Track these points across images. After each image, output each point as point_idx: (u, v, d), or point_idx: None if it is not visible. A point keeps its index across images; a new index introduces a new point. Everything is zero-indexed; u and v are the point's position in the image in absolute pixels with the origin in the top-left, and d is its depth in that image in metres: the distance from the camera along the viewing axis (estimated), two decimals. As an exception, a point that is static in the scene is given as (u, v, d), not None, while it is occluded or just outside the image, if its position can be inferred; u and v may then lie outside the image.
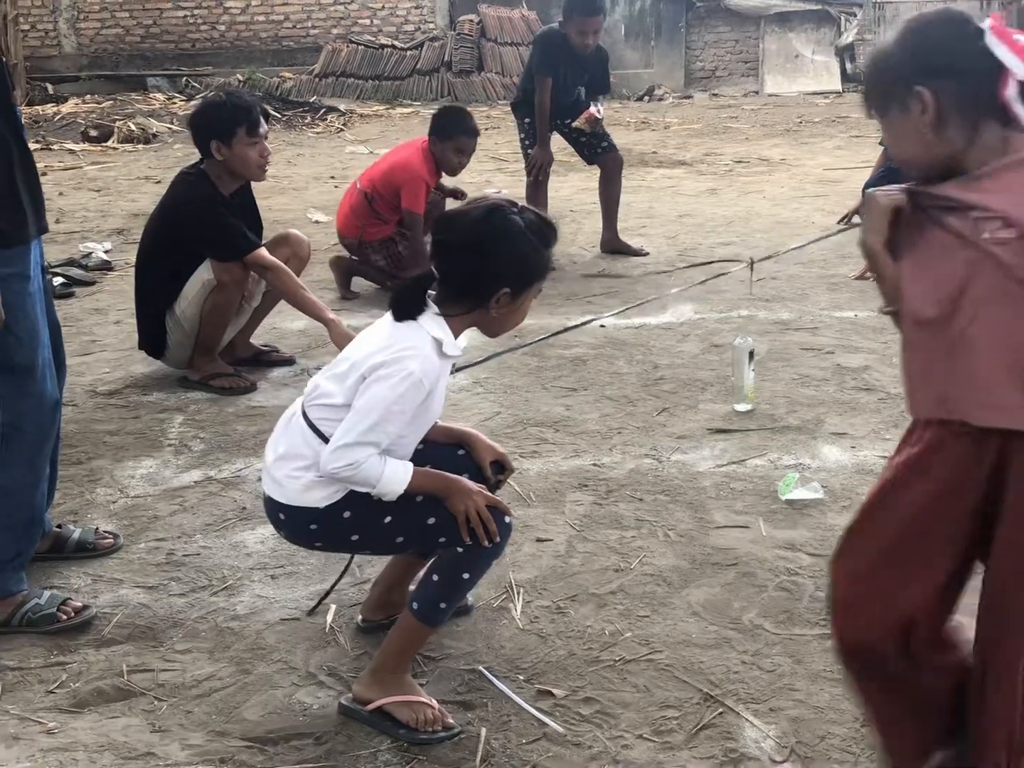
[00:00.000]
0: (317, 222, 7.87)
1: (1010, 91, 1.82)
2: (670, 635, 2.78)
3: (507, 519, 2.53)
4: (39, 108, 13.55)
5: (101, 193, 9.23)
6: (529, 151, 6.61)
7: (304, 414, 2.54)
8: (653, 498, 3.51)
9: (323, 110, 13.68)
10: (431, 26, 15.96)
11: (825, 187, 8.77)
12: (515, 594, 2.96)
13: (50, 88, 14.40)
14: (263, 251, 4.35)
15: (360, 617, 2.86)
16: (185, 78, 15.19)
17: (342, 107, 14.15)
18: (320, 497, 2.49)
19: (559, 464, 3.78)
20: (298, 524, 2.54)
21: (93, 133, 11.76)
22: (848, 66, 16.05)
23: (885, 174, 6.91)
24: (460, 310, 2.49)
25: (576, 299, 5.78)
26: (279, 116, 13.37)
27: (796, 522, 3.33)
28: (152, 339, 4.60)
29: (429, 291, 2.51)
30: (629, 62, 16.10)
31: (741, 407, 4.20)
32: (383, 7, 15.99)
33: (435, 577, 2.53)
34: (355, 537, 2.53)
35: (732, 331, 4.99)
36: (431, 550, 2.61)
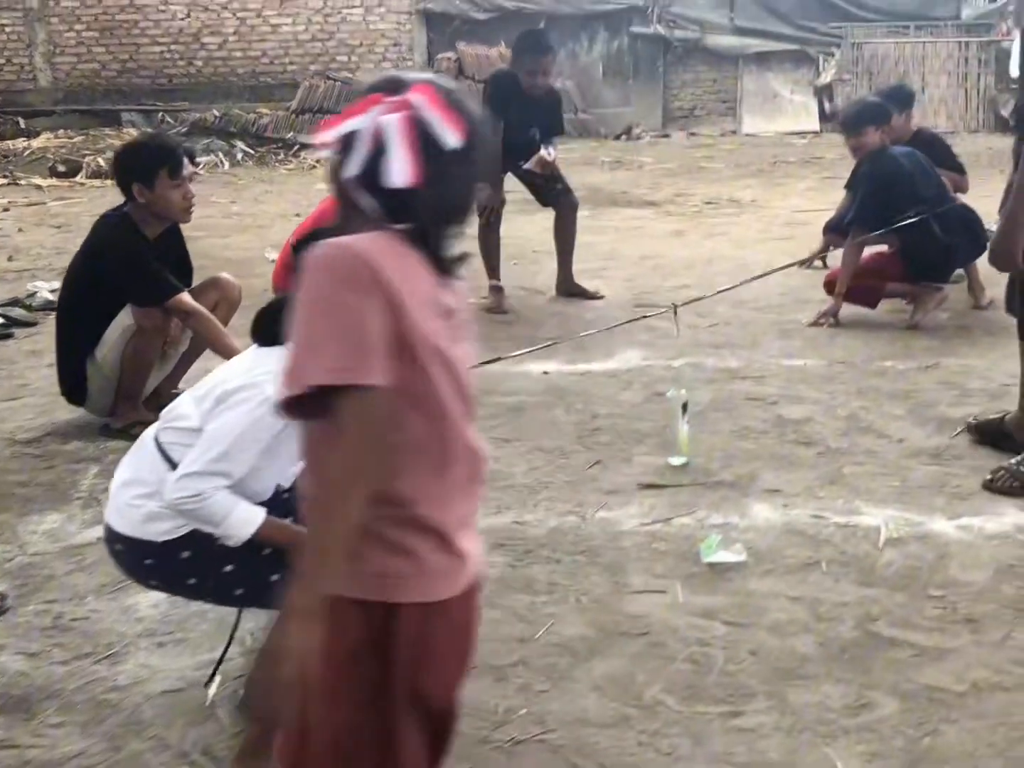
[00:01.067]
0: (273, 261, 7.72)
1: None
2: (567, 712, 2.63)
3: None
4: (10, 142, 13.47)
5: (61, 230, 9.11)
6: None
7: (155, 437, 2.39)
8: (571, 559, 3.37)
9: (296, 146, 13.59)
10: (409, 64, 15.90)
11: (792, 229, 8.68)
12: (410, 665, 2.81)
13: (22, 122, 14.31)
14: (185, 296, 4.22)
15: (243, 692, 2.70)
16: (161, 113, 15.11)
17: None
18: (160, 531, 2.33)
19: (479, 522, 3.62)
20: (134, 557, 2.39)
21: (61, 168, 11.68)
22: (826, 106, 16.02)
23: (846, 215, 6.83)
24: None
25: (523, 343, 5.64)
26: (252, 153, 13.31)
27: (715, 587, 3.19)
28: (73, 386, 4.46)
29: None
30: (607, 101, 16.07)
31: (675, 461, 4.06)
32: (361, 44, 15.96)
33: None
34: (191, 581, 2.38)
35: (680, 376, 4.88)
36: (271, 609, 2.45)
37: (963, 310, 6.11)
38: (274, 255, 7.82)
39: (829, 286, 5.96)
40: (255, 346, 2.38)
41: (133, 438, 4.29)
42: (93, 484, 3.99)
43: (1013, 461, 3.82)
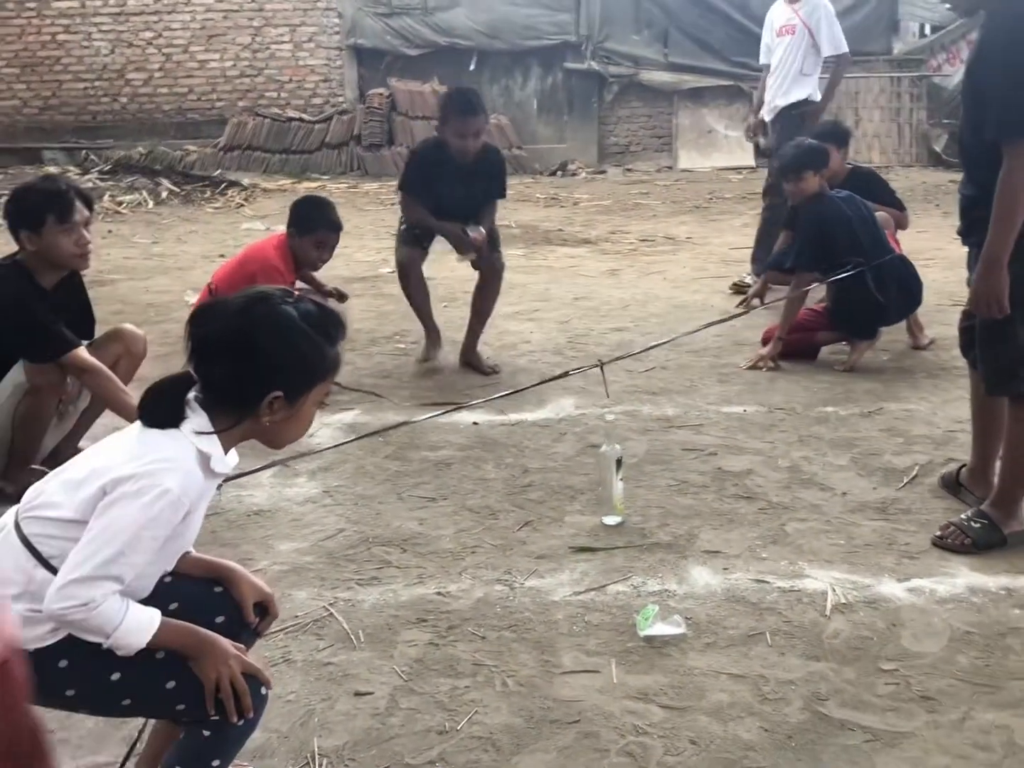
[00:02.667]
0: (192, 305, 7.43)
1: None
2: (489, 820, 2.37)
3: (263, 690, 2.11)
4: (-75, 182, 13.01)
5: (-28, 273, 8.72)
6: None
7: (18, 528, 2.06)
8: (497, 635, 3.10)
9: (224, 184, 13.28)
10: (340, 99, 15.69)
11: (728, 267, 8.53)
12: (315, 767, 2.53)
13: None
14: (80, 351, 3.93)
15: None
16: (85, 151, 14.73)
17: (245, 181, 13.78)
18: (31, 637, 2.01)
19: (399, 594, 3.36)
20: None
21: (-23, 209, 11.22)
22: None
23: (788, 252, 6.70)
24: (227, 421, 2.09)
25: (452, 392, 5.40)
26: (177, 191, 12.97)
27: (652, 664, 2.94)
28: (-37, 447, 4.13)
29: (192, 395, 2.10)
30: (541, 137, 15.96)
31: (609, 520, 3.83)
32: (290, 80, 15.71)
33: None
34: (70, 692, 2.05)
35: (612, 430, 4.65)
36: (165, 719, 2.18)
37: (904, 350, 5.97)
38: (194, 298, 7.52)
39: (766, 340, 5.80)
40: (139, 425, 2.09)
41: (27, 503, 4.03)
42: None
43: (963, 516, 3.64)
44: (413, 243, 5.77)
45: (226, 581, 2.30)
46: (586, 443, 4.62)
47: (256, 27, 15.54)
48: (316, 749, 2.59)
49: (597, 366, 4.15)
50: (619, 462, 3.81)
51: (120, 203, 12.27)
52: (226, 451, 2.12)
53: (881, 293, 5.51)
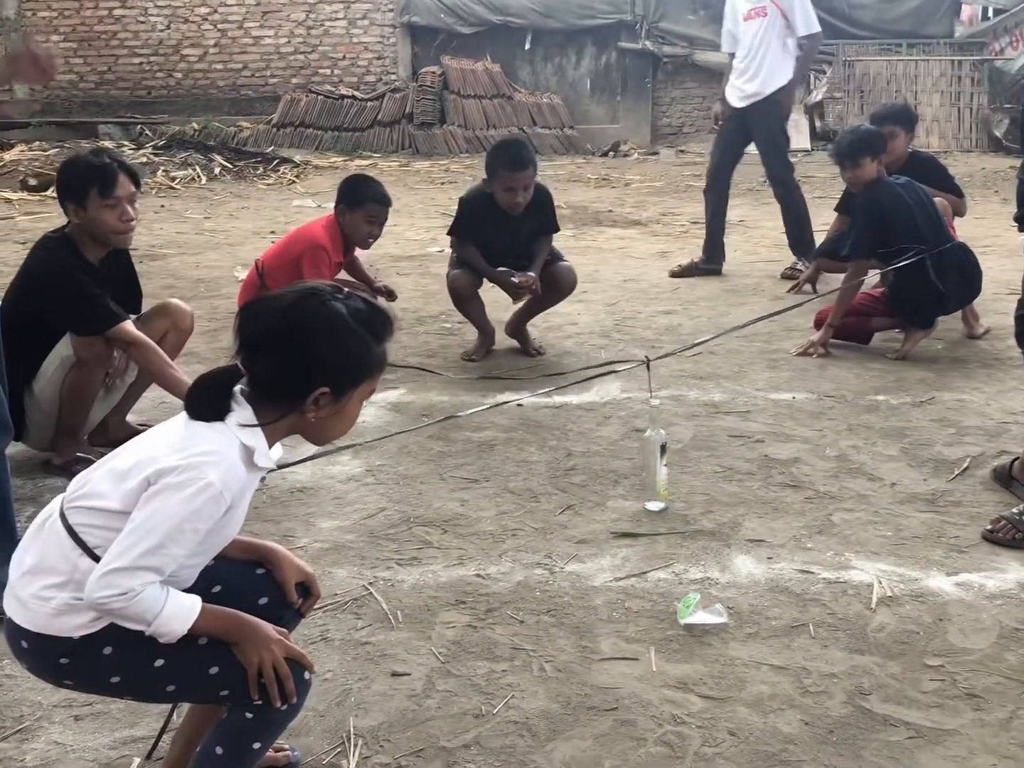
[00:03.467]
0: (242, 280, 7.45)
1: None
2: (523, 806, 2.35)
3: (307, 675, 2.11)
4: (-17, 154, 13.18)
5: (26, 245, 8.74)
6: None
7: (63, 517, 2.06)
8: (536, 620, 3.08)
9: (276, 161, 13.32)
10: (393, 77, 15.68)
11: (780, 251, 8.40)
12: (351, 747, 2.52)
13: (-9, 133, 14.04)
14: (127, 325, 3.94)
15: (160, 778, 2.41)
16: (139, 126, 14.83)
17: (297, 158, 13.81)
18: (75, 625, 2.02)
19: (438, 575, 3.35)
20: (44, 656, 2.07)
21: (32, 182, 11.36)
22: (818, 124, 15.82)
23: (840, 238, 6.59)
24: (272, 415, 2.08)
25: (498, 373, 5.37)
26: (229, 167, 13.03)
27: (692, 652, 2.91)
28: (11, 419, 4.15)
29: (238, 388, 2.10)
30: (594, 117, 15.85)
31: (652, 506, 3.78)
32: (344, 57, 15.72)
33: (219, 750, 2.09)
34: (115, 679, 2.06)
35: (658, 414, 4.60)
36: (210, 703, 2.18)
37: (958, 339, 5.86)
38: (243, 274, 7.55)
39: (819, 323, 5.70)
40: (185, 417, 2.08)
41: (74, 475, 4.05)
42: (27, 527, 3.69)
43: (1015, 511, 3.55)
44: (471, 270, 5.60)
45: (268, 562, 2.30)
46: (631, 427, 4.58)
47: (311, 3, 15.56)
48: (352, 729, 2.58)
49: (644, 363, 4.06)
50: (664, 447, 3.77)
51: (173, 178, 12.35)
52: (271, 445, 2.12)
53: (941, 281, 5.39)
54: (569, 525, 3.69)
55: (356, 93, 15.36)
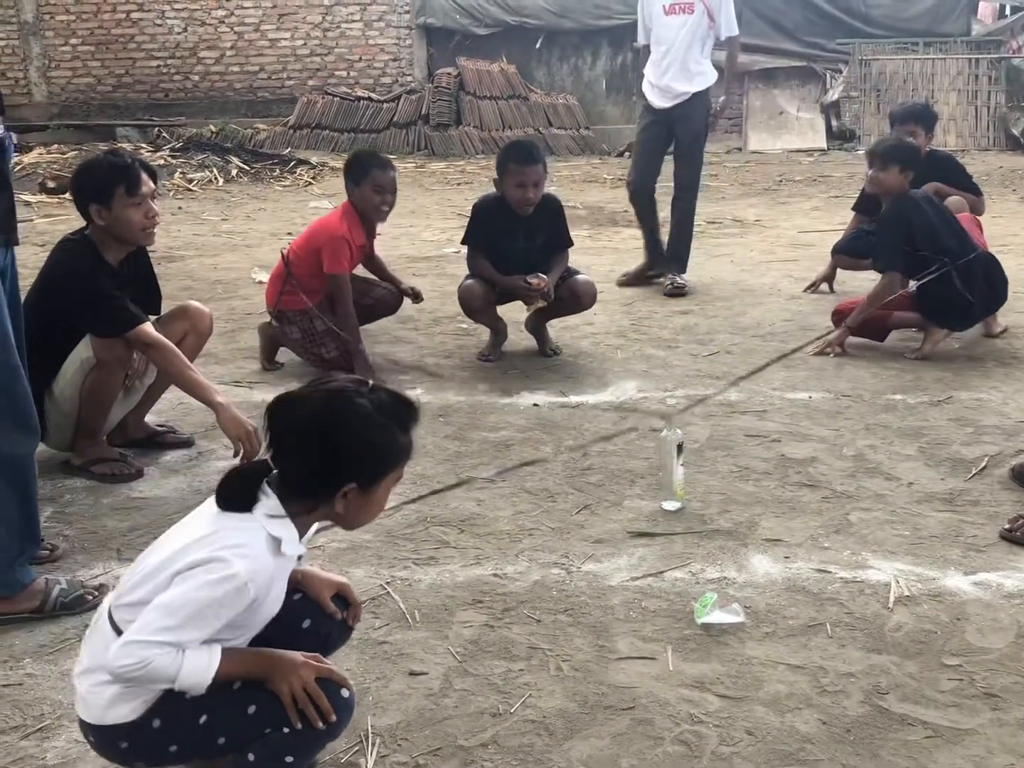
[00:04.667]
0: (260, 283, 7.48)
1: None
2: (541, 804, 2.35)
3: (344, 693, 2.15)
4: (2, 158, 13.23)
5: (45, 248, 8.83)
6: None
7: (110, 616, 2.15)
8: (553, 619, 3.09)
9: (293, 163, 13.36)
10: (409, 79, 15.71)
11: (797, 251, 8.42)
12: (369, 746, 2.53)
13: (14, 137, 14.09)
14: (146, 327, 3.96)
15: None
16: (157, 128, 14.90)
17: (314, 160, 13.85)
18: (127, 711, 2.10)
19: (455, 575, 3.36)
20: (109, 745, 2.15)
21: (51, 184, 11.43)
22: (834, 123, 15.79)
23: (858, 236, 6.58)
24: (302, 508, 2.14)
25: (514, 373, 5.38)
26: (247, 168, 13.07)
27: (709, 652, 2.91)
28: (32, 419, 4.19)
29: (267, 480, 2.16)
30: (610, 118, 15.84)
31: (669, 505, 3.79)
32: (360, 59, 15.75)
33: (251, 756, 2.12)
34: (172, 748, 2.13)
35: (674, 413, 4.61)
36: (260, 743, 2.17)
37: (975, 338, 5.84)
38: (261, 276, 7.59)
39: (836, 318, 5.69)
40: (213, 508, 2.14)
41: (92, 476, 4.09)
42: (45, 528, 3.71)
43: (1033, 510, 3.55)
44: (484, 280, 5.57)
45: (299, 584, 2.34)
46: (647, 427, 4.57)
47: (327, 6, 15.60)
48: (370, 727, 2.59)
49: (668, 426, 3.89)
50: (680, 447, 3.77)
51: (190, 180, 12.40)
52: (300, 536, 2.17)
53: (968, 291, 5.38)
54: (586, 525, 3.70)
55: (372, 95, 15.40)
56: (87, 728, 2.17)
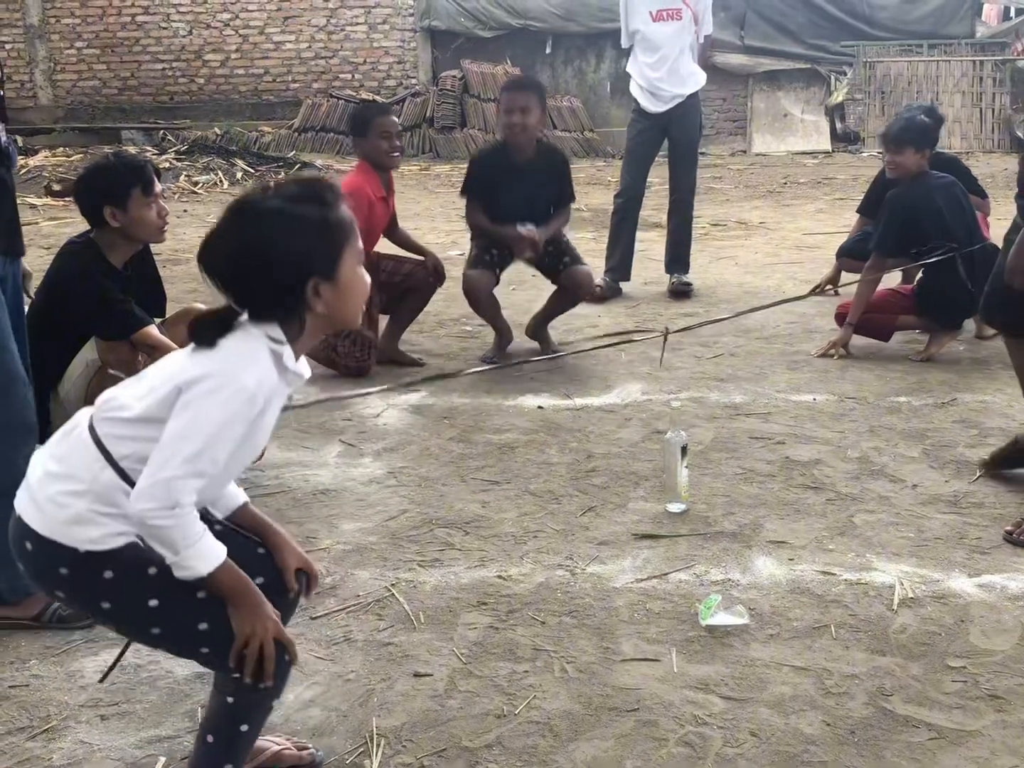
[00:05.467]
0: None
1: None
2: (545, 805, 2.36)
3: (287, 657, 2.13)
4: (7, 161, 13.26)
5: (51, 251, 8.84)
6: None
7: (91, 428, 2.06)
8: (558, 621, 3.09)
9: (298, 165, 13.38)
10: (413, 81, 15.72)
11: (801, 253, 8.42)
12: (374, 747, 2.54)
13: (20, 140, 14.12)
14: (151, 329, 3.97)
15: (186, 776, 2.43)
16: (162, 131, 14.92)
17: (319, 163, 13.87)
18: (85, 538, 2.02)
19: (460, 576, 3.36)
20: (46, 562, 2.06)
21: (56, 187, 11.45)
22: (838, 125, 15.78)
23: (862, 239, 6.58)
24: (290, 330, 2.07)
25: (518, 375, 5.39)
26: (252, 171, 13.09)
27: (714, 654, 2.91)
28: (37, 422, 4.20)
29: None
30: (615, 120, 15.81)
31: (673, 507, 3.79)
32: (364, 62, 15.76)
33: (210, 738, 2.13)
34: (105, 605, 2.07)
35: (678, 416, 4.61)
36: (185, 657, 2.20)
37: (979, 341, 5.83)
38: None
39: (840, 318, 5.70)
40: (192, 348, 2.06)
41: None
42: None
43: (1038, 512, 3.55)
44: (486, 267, 5.59)
45: (271, 545, 2.30)
46: (651, 429, 4.59)
47: (331, 9, 15.62)
48: (375, 729, 2.60)
49: (663, 335, 4.07)
50: (684, 449, 3.78)
51: (196, 183, 12.43)
52: (296, 357, 2.10)
53: (971, 282, 5.38)
54: (590, 527, 3.70)
55: (377, 98, 15.39)
56: (29, 535, 2.06)
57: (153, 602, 2.05)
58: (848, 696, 2.71)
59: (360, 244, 2.14)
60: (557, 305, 5.77)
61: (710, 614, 3.05)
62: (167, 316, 4.38)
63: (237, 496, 2.31)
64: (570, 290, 5.65)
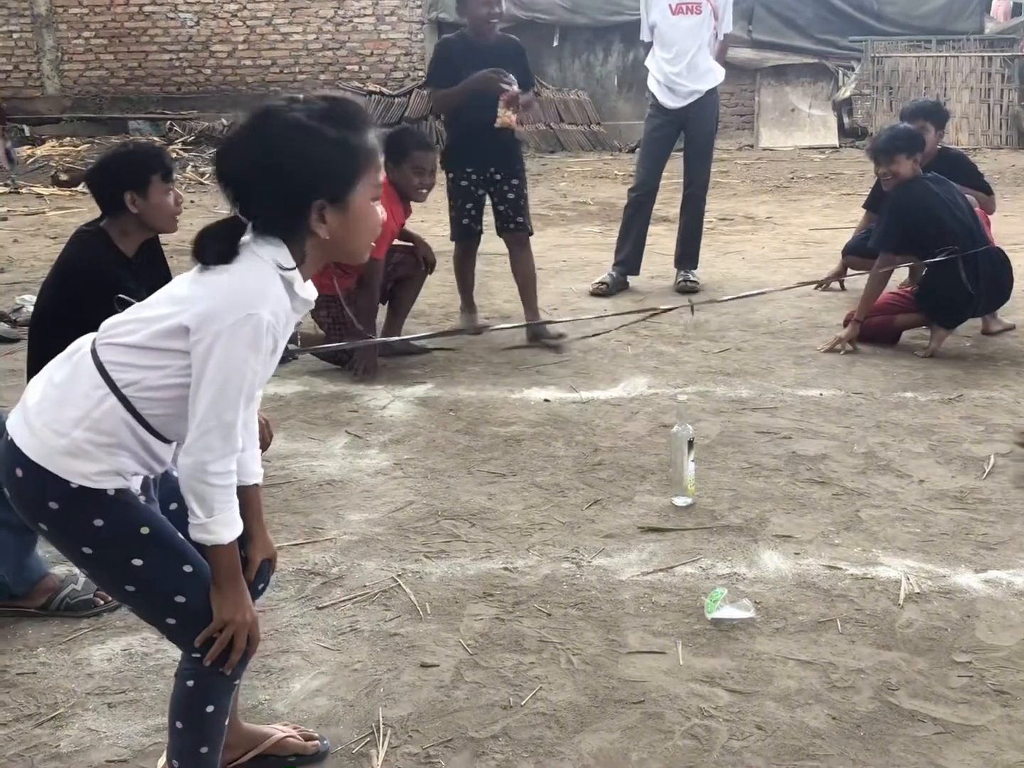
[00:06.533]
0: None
1: None
2: (551, 796, 2.37)
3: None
4: (14, 150, 13.27)
5: (57, 240, 8.87)
6: (451, 215, 6.01)
7: (94, 354, 2.00)
8: (563, 613, 3.10)
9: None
10: (420, 73, 15.65)
11: (808, 248, 8.41)
12: (380, 737, 2.55)
13: (26, 130, 14.13)
14: (163, 318, 3.98)
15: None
16: (169, 122, 14.92)
17: (325, 154, 13.87)
18: (79, 471, 1.96)
19: (466, 568, 3.37)
20: (36, 492, 2.00)
21: (63, 177, 11.46)
22: (846, 120, 15.74)
23: (868, 236, 6.57)
24: (293, 252, 2.01)
25: (525, 368, 5.39)
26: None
27: (719, 647, 2.92)
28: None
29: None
30: (621, 113, 15.81)
31: (680, 501, 3.79)
32: (372, 53, 15.74)
33: (179, 724, 2.15)
34: (87, 551, 2.01)
35: (685, 410, 4.61)
36: (149, 623, 2.18)
37: (986, 337, 5.82)
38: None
39: (849, 320, 5.68)
40: (196, 272, 2.00)
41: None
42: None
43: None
44: (465, 235, 5.96)
45: (248, 536, 2.20)
46: (658, 423, 4.59)
47: (339, 0, 15.60)
48: (381, 719, 2.61)
49: (688, 306, 4.09)
50: (691, 443, 3.78)
51: (202, 174, 12.43)
52: (304, 278, 2.06)
53: (972, 284, 5.36)
54: (596, 520, 3.70)
55: (384, 89, 15.39)
56: (21, 461, 1.99)
57: (137, 561, 2.02)
58: (854, 690, 2.71)
59: (380, 177, 2.08)
60: (522, 276, 5.99)
61: (716, 607, 3.05)
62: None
63: (252, 473, 2.25)
64: (512, 250, 5.96)
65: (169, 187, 3.97)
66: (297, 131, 1.94)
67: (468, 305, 6.21)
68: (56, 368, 2.06)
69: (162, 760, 2.40)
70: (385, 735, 2.55)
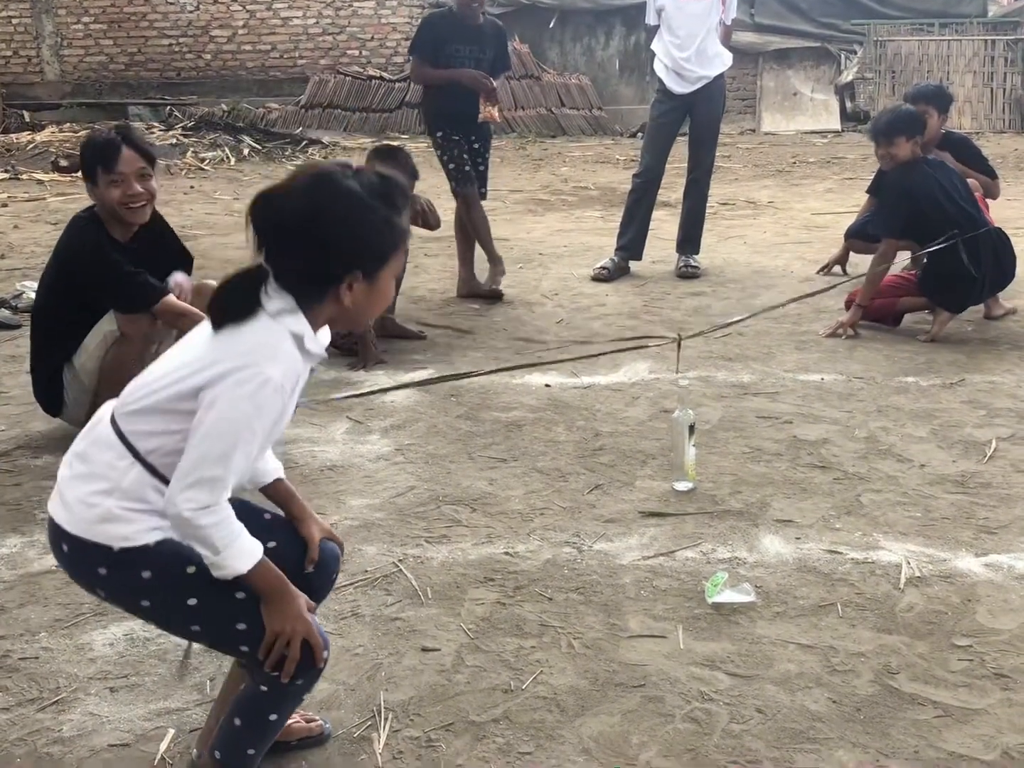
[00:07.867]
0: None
1: None
2: (552, 779, 2.37)
3: (325, 654, 2.14)
4: (14, 136, 13.26)
5: (57, 227, 8.84)
6: (451, 167, 6.41)
7: (114, 423, 2.04)
8: (564, 597, 3.10)
9: (304, 142, 13.36)
10: (421, 58, 15.66)
11: (810, 233, 8.40)
12: (381, 721, 2.55)
13: (26, 116, 14.10)
14: (171, 298, 3.98)
15: (195, 751, 2.43)
16: (169, 107, 14.90)
17: (326, 139, 13.85)
18: (119, 534, 2.00)
19: (467, 552, 3.37)
20: (83, 563, 2.06)
21: (63, 163, 11.44)
22: (848, 104, 15.70)
23: (870, 219, 6.55)
24: (309, 304, 2.03)
25: (526, 353, 5.39)
26: (258, 148, 13.07)
27: (720, 631, 2.92)
28: (49, 395, 4.22)
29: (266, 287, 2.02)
30: (623, 98, 15.78)
31: (681, 486, 3.80)
32: (372, 38, 15.71)
33: (237, 721, 2.14)
34: (145, 603, 2.07)
35: (686, 395, 4.61)
36: (225, 653, 2.23)
37: (987, 321, 5.82)
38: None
39: (850, 304, 5.68)
40: (210, 331, 2.00)
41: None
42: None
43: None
44: (467, 181, 6.38)
45: (293, 517, 2.32)
46: (659, 408, 4.59)
47: (339, -16, 15.58)
48: (382, 703, 2.61)
49: (676, 340, 4.08)
50: (692, 428, 3.77)
51: (203, 159, 12.41)
52: (314, 331, 2.06)
53: (974, 266, 5.35)
54: (597, 504, 3.71)
55: (384, 74, 15.37)
56: (63, 536, 2.06)
57: (192, 601, 2.06)
58: (854, 674, 2.72)
59: (403, 259, 2.14)
60: (469, 233, 6.53)
61: (717, 592, 3.05)
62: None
63: (268, 472, 2.29)
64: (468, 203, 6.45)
65: (114, 179, 3.93)
66: (355, 203, 1.97)
67: (467, 269, 6.57)
68: (79, 441, 2.12)
69: (194, 749, 2.37)
70: (386, 719, 2.56)
